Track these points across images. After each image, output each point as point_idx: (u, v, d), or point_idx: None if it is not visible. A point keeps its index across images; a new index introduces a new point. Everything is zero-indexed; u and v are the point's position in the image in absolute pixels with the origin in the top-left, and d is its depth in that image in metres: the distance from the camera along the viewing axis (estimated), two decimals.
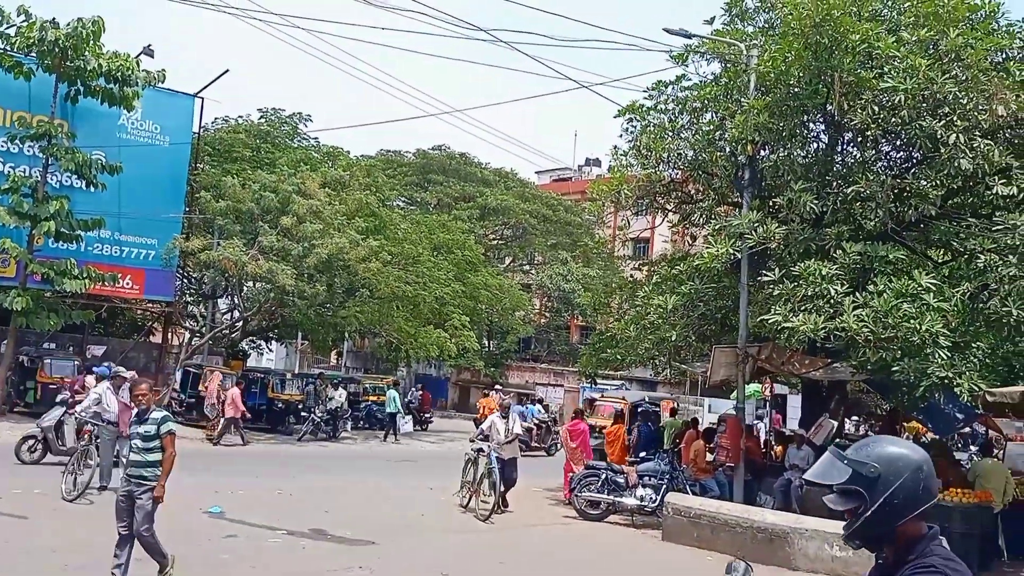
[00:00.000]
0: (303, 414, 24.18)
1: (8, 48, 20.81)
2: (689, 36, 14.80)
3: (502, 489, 13.17)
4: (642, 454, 15.36)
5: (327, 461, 19.58)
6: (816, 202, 12.59)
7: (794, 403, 28.80)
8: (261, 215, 23.54)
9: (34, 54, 20.86)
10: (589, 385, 40.03)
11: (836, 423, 16.10)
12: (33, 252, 21.33)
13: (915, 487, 2.39)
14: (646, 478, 13.85)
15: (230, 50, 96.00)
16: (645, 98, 16.23)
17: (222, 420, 20.70)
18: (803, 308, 11.52)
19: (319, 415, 23.57)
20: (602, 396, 26.08)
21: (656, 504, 13.31)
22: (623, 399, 22.06)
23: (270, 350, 39.11)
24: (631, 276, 19.58)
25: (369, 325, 27.43)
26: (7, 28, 20.49)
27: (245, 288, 25.85)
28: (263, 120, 30.61)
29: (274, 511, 11.78)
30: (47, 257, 21.57)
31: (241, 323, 27.69)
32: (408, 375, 40.65)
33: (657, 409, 22.36)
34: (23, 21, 20.44)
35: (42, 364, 21.74)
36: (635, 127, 16.23)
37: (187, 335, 30.56)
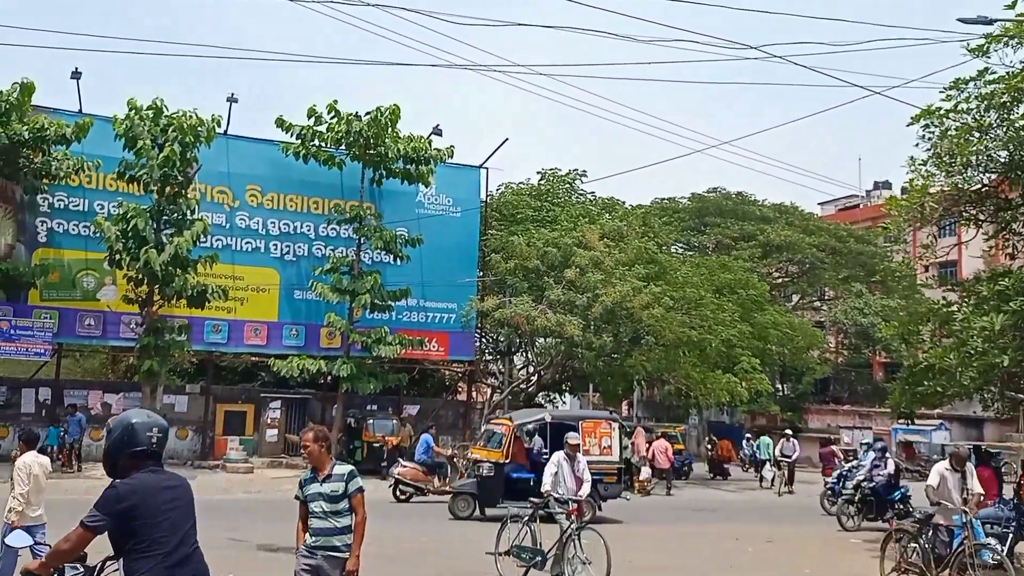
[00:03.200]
0: None
1: (323, 144, 23.88)
2: (990, 22, 13.27)
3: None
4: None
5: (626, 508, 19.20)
6: None
7: None
8: (546, 271, 24.53)
9: (343, 146, 23.76)
10: (903, 426, 36.41)
11: None
12: (353, 324, 23.89)
13: (120, 438, 4.02)
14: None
15: (505, 119, 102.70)
16: (943, 99, 14.79)
17: (644, 471, 22.77)
18: None
19: None
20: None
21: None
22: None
23: (564, 402, 40.19)
24: (943, 298, 17.62)
25: (656, 373, 27.25)
26: (320, 126, 23.57)
27: (537, 343, 26.91)
28: (543, 181, 32.14)
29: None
30: (364, 327, 24.05)
31: (535, 377, 28.80)
32: (700, 422, 39.67)
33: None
34: (332, 117, 23.41)
35: (366, 425, 24.02)
36: (933, 132, 14.82)
37: (488, 391, 32.32)
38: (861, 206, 56.99)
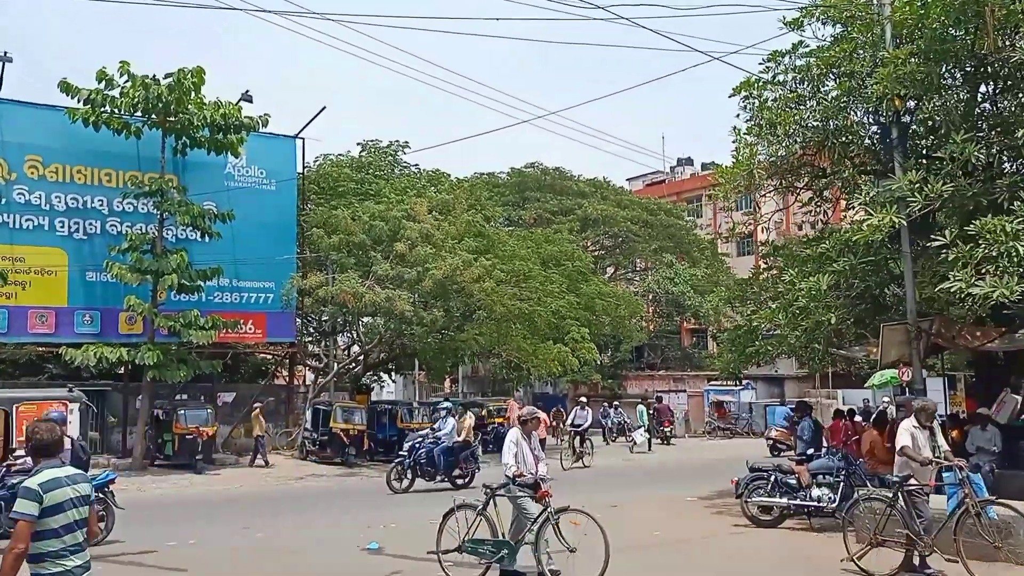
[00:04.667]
0: None
1: (116, 111, 21.38)
2: None
3: None
4: (809, 451, 14.13)
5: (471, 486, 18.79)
6: (983, 152, 11.37)
7: (934, 387, 26.43)
8: (373, 245, 23.44)
9: (139, 112, 21.41)
10: (714, 387, 38.45)
11: (1020, 398, 14.58)
12: (158, 307, 21.77)
13: None
14: (820, 476, 12.70)
15: (325, 86, 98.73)
16: (761, 71, 15.24)
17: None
18: (985, 271, 10.31)
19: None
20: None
21: (836, 504, 12.13)
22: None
23: (393, 381, 39.26)
24: (765, 263, 18.43)
25: (488, 347, 26.94)
26: (112, 91, 21.08)
27: (363, 322, 25.78)
28: (364, 153, 30.81)
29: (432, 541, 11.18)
30: (171, 311, 22.01)
31: (362, 357, 27.66)
32: (526, 395, 40.02)
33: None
34: (125, 81, 21.01)
35: (177, 416, 22.04)
36: (753, 104, 15.26)
37: (311, 374, 30.82)
38: (666, 181, 59.80)
